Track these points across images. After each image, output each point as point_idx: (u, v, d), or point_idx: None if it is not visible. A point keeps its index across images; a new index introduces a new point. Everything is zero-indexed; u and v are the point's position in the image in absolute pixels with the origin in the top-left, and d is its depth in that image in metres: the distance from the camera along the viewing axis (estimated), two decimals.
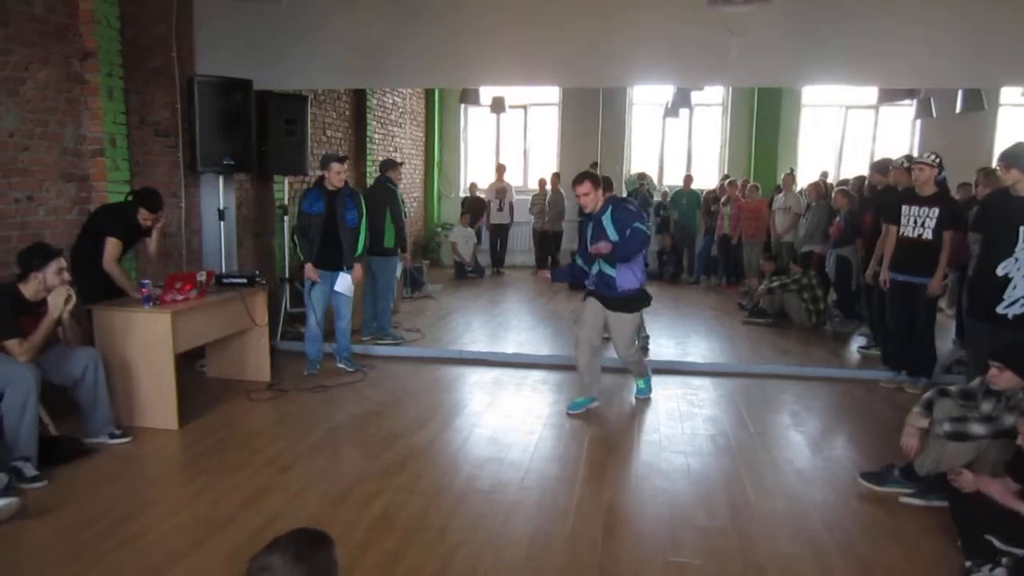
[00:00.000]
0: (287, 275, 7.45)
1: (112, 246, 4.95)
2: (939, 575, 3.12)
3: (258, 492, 3.82)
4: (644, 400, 5.52)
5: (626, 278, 5.00)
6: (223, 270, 6.20)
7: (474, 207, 12.90)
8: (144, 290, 4.70)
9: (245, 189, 7.29)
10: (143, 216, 5.08)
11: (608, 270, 4.98)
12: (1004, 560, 2.99)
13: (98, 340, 4.68)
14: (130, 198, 5.19)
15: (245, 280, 5.58)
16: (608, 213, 4.93)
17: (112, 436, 4.45)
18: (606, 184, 5.25)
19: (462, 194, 14.02)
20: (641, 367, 5.54)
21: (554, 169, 13.36)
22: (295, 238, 6.20)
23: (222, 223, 6.53)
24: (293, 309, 7.39)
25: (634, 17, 6.12)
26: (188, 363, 5.69)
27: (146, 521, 3.50)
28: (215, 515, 3.56)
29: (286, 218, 7.50)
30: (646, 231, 4.88)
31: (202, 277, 5.12)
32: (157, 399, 4.72)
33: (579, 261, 5.28)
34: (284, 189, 7.72)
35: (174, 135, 6.29)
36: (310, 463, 4.23)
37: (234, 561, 3.10)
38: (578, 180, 4.96)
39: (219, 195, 6.52)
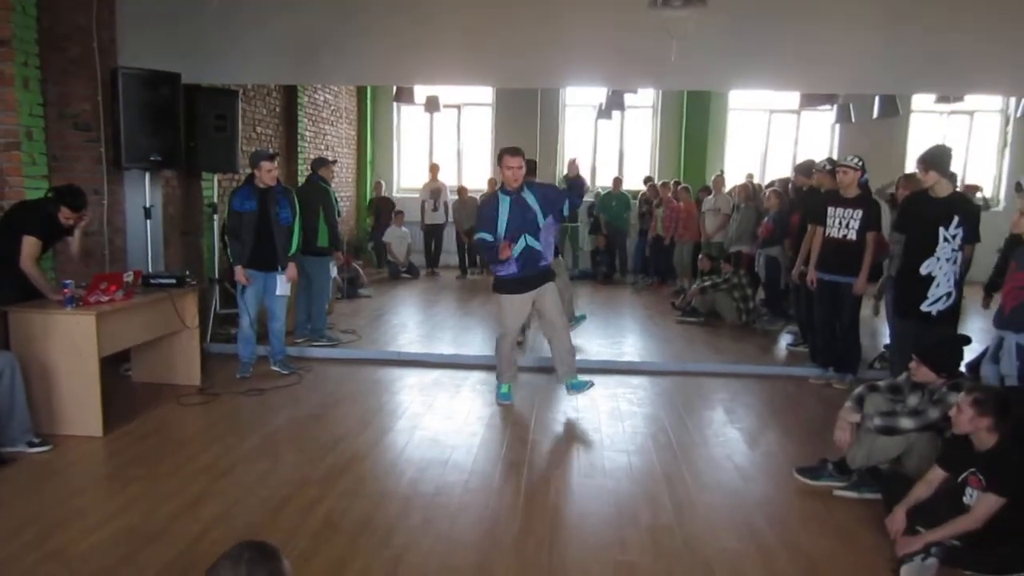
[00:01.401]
0: (217, 275, 7.22)
1: (30, 245, 4.68)
2: (875, 566, 3.21)
3: (193, 500, 3.68)
4: (583, 394, 5.42)
5: (549, 252, 5.24)
6: (149, 270, 5.96)
7: (380, 209, 12.76)
8: (67, 291, 4.47)
9: (172, 187, 7.02)
10: (64, 215, 4.82)
11: (535, 244, 5.09)
12: (933, 550, 3.10)
13: (15, 344, 4.43)
14: (50, 195, 4.92)
15: (174, 280, 5.37)
16: (528, 191, 5.10)
17: (31, 445, 4.22)
18: (531, 168, 5.42)
19: (395, 194, 13.87)
20: (572, 357, 5.42)
21: (487, 170, 13.41)
22: (225, 238, 6.01)
23: (148, 222, 6.27)
24: (223, 310, 7.16)
25: (572, 19, 6.15)
26: (112, 368, 5.45)
27: (72, 534, 3.32)
28: (147, 525, 3.41)
29: (215, 217, 7.26)
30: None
31: (128, 277, 4.91)
32: (80, 405, 4.50)
33: (488, 238, 5.12)
34: (214, 187, 7.47)
35: (96, 129, 6.01)
36: (248, 469, 4.09)
37: (171, 573, 2.97)
38: (515, 152, 5.05)
39: (145, 192, 6.26)
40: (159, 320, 5.24)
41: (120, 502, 3.66)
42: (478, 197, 12.38)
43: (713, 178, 11.09)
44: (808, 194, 7.12)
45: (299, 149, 10.33)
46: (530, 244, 5.07)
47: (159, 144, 6.11)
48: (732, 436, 4.89)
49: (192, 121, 6.58)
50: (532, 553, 3.26)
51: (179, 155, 6.38)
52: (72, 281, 4.57)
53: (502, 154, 5.09)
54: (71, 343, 4.45)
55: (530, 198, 5.09)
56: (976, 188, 9.14)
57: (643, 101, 13.62)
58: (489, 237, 5.09)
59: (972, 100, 12.01)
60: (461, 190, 12.89)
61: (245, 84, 8.23)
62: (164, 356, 5.59)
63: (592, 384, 5.44)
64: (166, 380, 5.59)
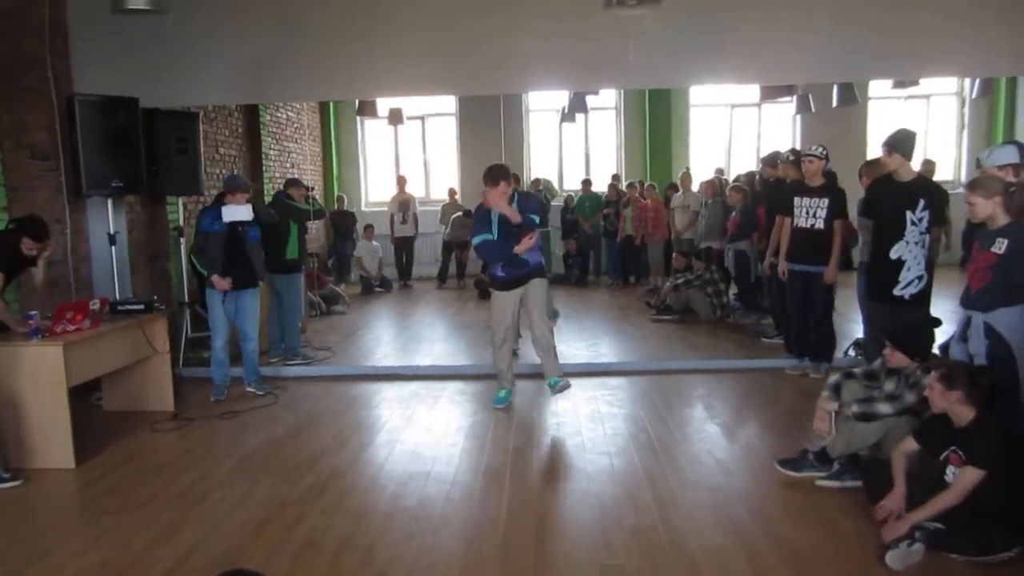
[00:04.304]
0: (186, 299, 7.12)
1: None
2: (860, 554, 3.22)
3: (170, 528, 3.60)
4: (562, 396, 5.41)
5: (533, 254, 5.34)
6: (117, 297, 5.86)
7: (338, 223, 12.67)
8: (31, 322, 4.38)
9: (136, 212, 6.92)
10: (27, 245, 4.70)
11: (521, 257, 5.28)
12: (918, 535, 3.12)
13: None
14: (12, 226, 4.82)
15: (143, 306, 5.29)
16: (515, 202, 5.21)
17: (0, 480, 4.12)
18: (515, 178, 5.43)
19: (363, 208, 13.80)
20: (555, 351, 5.46)
21: (454, 180, 13.45)
22: (192, 258, 5.93)
23: (113, 248, 6.17)
24: (194, 334, 7.06)
25: (530, 24, 6.16)
26: (82, 397, 5.34)
27: (45, 569, 3.24)
28: (122, 557, 3.33)
29: (182, 240, 7.16)
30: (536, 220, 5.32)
31: (95, 305, 4.81)
32: (50, 437, 4.40)
33: (490, 237, 5.28)
34: (179, 210, 7.38)
35: (54, 158, 5.90)
36: (225, 493, 4.02)
37: None
38: (496, 181, 5.12)
39: (108, 219, 6.16)
40: (129, 347, 5.15)
41: (93, 535, 3.57)
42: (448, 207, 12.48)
43: (680, 175, 11.17)
44: (774, 185, 7.18)
45: (264, 168, 10.24)
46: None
47: (120, 170, 6.02)
48: (712, 432, 4.90)
49: (153, 145, 6.48)
50: (517, 561, 3.23)
51: (141, 180, 6.28)
52: (36, 312, 4.47)
53: (485, 181, 5.20)
54: (38, 375, 4.36)
55: (515, 207, 5.21)
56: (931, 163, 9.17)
57: (605, 102, 13.68)
58: (491, 236, 5.26)
59: (928, 84, 12.18)
60: (467, 212, 12.63)
61: (205, 105, 8.14)
62: (136, 383, 5.49)
63: (567, 386, 5.37)
64: (138, 407, 5.49)
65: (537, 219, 5.33)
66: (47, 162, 5.87)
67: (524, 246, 5.18)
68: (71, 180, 5.91)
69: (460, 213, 12.44)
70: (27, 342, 4.37)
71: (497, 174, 5.15)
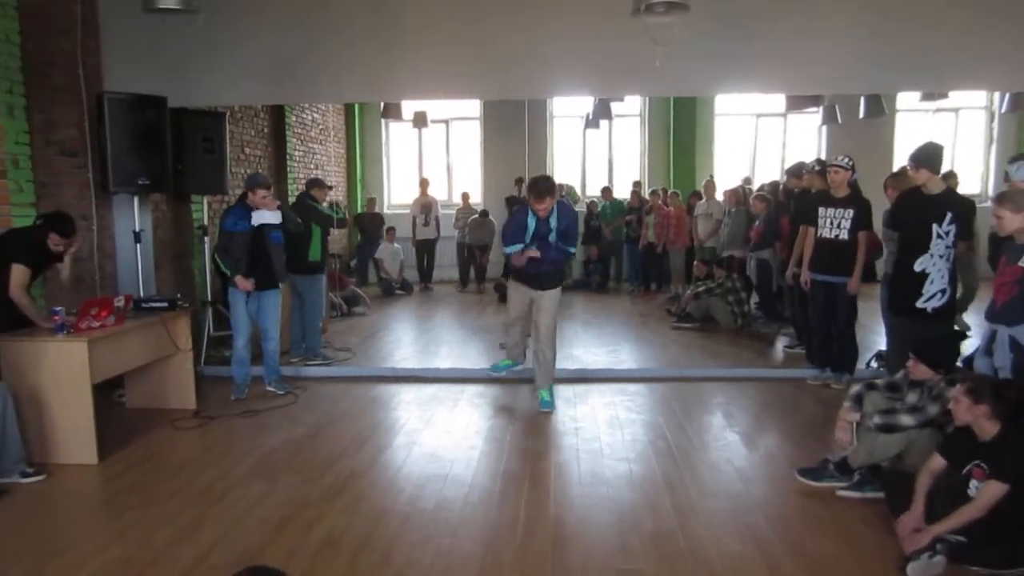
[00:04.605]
0: (209, 298, 7.18)
1: (19, 273, 4.65)
2: (880, 566, 3.19)
3: (190, 525, 3.63)
4: (581, 401, 5.55)
5: (549, 256, 5.36)
6: (141, 294, 5.93)
7: (365, 225, 12.72)
8: (57, 318, 4.44)
9: (162, 210, 7.00)
10: (54, 241, 4.79)
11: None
12: (939, 547, 3.09)
13: (6, 373, 4.38)
14: (39, 222, 4.90)
15: (166, 303, 5.34)
16: (554, 214, 5.26)
17: (24, 475, 4.17)
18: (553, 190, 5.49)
19: (386, 210, 13.86)
20: (551, 367, 5.57)
21: (477, 184, 13.47)
22: (216, 258, 5.98)
23: (138, 246, 6.23)
24: (216, 333, 7.12)
25: (557, 29, 6.16)
26: (104, 394, 5.40)
27: (66, 565, 3.26)
28: (144, 553, 3.36)
29: (206, 239, 7.23)
30: (576, 231, 5.53)
31: (120, 302, 4.86)
32: (73, 433, 4.45)
33: (518, 248, 5.35)
34: (203, 209, 7.45)
35: (83, 155, 5.99)
36: (245, 491, 4.05)
37: None
38: (541, 195, 5.17)
39: (134, 217, 6.23)
40: (152, 344, 5.19)
41: (115, 530, 3.61)
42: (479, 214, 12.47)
43: (704, 183, 11.11)
44: (799, 196, 7.13)
45: (288, 169, 10.32)
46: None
47: (147, 168, 6.09)
48: (731, 440, 4.86)
49: (179, 144, 6.55)
50: (535, 565, 3.23)
51: (167, 178, 6.34)
52: (62, 308, 4.53)
53: (530, 192, 5.28)
54: (63, 371, 4.40)
55: (553, 219, 5.27)
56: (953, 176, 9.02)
57: (630, 109, 13.67)
58: (519, 248, 5.32)
59: (957, 97, 12.07)
60: (483, 212, 12.67)
61: (232, 105, 8.22)
62: (158, 380, 5.54)
63: (550, 409, 5.46)
64: (160, 405, 5.54)
65: (573, 250, 5.51)
66: (75, 159, 5.96)
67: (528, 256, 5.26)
68: (98, 177, 5.99)
69: (476, 215, 12.45)
70: (52, 338, 4.42)
71: (543, 189, 5.18)
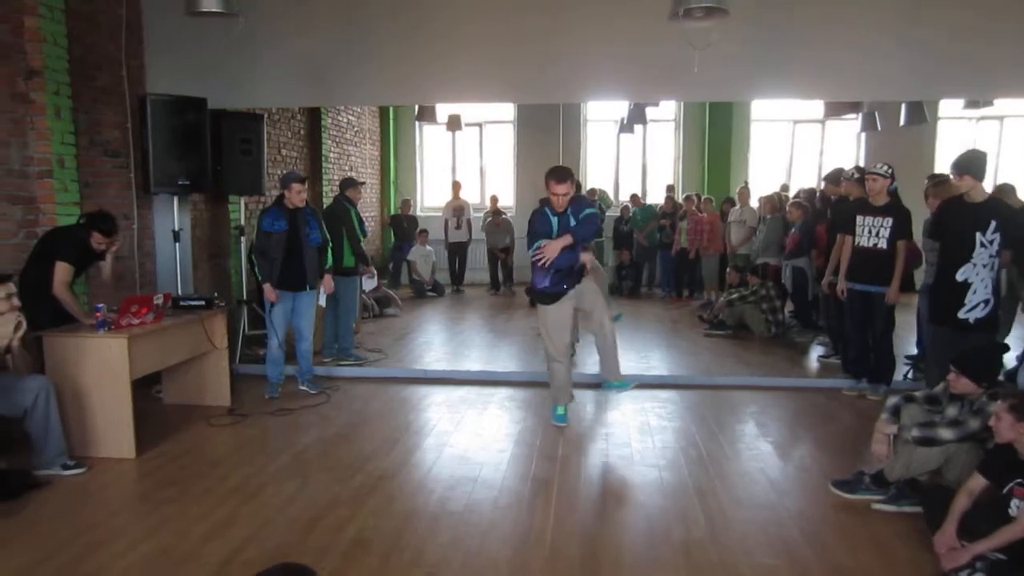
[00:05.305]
0: (245, 297, 7.28)
1: (62, 271, 4.77)
2: None
3: (224, 521, 3.68)
4: (613, 407, 5.50)
5: (570, 258, 5.04)
6: (179, 293, 6.03)
7: (398, 226, 12.75)
8: (98, 314, 4.53)
9: (200, 210, 7.12)
10: (96, 240, 4.91)
11: (561, 259, 4.97)
12: (979, 564, 3.02)
13: (49, 368, 4.48)
14: (82, 221, 5.01)
15: (204, 302, 5.42)
16: (570, 211, 5.01)
17: (65, 467, 4.26)
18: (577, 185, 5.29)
19: (419, 213, 13.93)
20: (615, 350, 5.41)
21: (510, 187, 13.48)
22: (252, 258, 6.06)
23: (177, 245, 6.36)
24: (251, 332, 7.22)
25: (592, 33, 6.16)
26: (143, 390, 5.49)
27: (106, 556, 3.33)
28: (179, 547, 3.41)
29: (243, 239, 7.33)
30: (598, 219, 5.18)
31: (159, 300, 4.95)
32: (113, 427, 4.53)
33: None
34: (240, 210, 7.56)
35: (125, 155, 6.12)
36: (278, 489, 4.10)
37: None
38: (561, 178, 4.91)
39: (174, 216, 6.35)
40: (189, 342, 5.28)
41: (153, 523, 3.68)
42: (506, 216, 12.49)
43: (738, 190, 11.02)
44: (837, 203, 7.03)
45: (323, 171, 10.44)
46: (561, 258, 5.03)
47: (187, 168, 6.20)
48: (764, 449, 4.81)
49: (218, 145, 6.67)
50: (563, 570, 3.22)
51: (206, 179, 6.46)
52: (104, 305, 4.63)
53: (548, 178, 4.96)
54: (104, 366, 4.49)
55: (572, 219, 5.04)
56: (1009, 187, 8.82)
57: (665, 114, 13.60)
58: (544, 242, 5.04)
59: (1002, 105, 11.80)
60: (495, 212, 12.74)
61: (269, 108, 8.34)
62: (194, 377, 5.63)
63: (630, 384, 5.44)
64: (196, 401, 5.63)
65: (591, 230, 5.12)
66: (118, 159, 6.09)
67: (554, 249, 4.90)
68: (140, 177, 6.12)
69: (490, 217, 12.44)
70: (94, 334, 4.52)
71: (563, 173, 4.95)
